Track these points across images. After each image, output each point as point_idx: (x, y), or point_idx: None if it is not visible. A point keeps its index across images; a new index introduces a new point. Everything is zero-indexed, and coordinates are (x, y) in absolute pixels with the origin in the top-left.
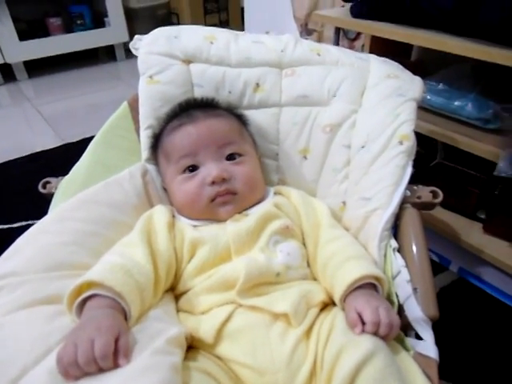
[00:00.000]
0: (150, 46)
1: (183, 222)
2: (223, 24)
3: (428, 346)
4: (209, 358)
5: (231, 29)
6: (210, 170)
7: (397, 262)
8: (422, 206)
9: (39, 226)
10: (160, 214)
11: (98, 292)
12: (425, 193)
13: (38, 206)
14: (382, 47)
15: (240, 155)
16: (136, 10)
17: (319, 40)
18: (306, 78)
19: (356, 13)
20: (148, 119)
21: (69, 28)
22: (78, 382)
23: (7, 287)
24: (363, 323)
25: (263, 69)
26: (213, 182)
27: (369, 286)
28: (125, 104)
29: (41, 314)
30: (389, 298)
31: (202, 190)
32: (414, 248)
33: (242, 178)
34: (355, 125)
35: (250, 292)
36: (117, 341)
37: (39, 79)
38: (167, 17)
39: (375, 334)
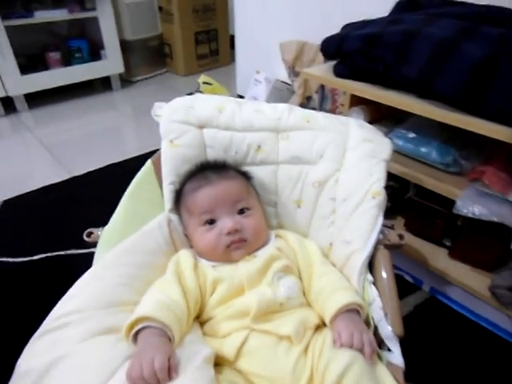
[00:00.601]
0: (171, 115)
1: (204, 264)
2: (213, 53)
3: (396, 357)
4: (231, 371)
5: (220, 57)
6: (226, 223)
7: (372, 292)
8: (392, 247)
9: (95, 270)
10: (185, 257)
11: (150, 324)
12: (393, 236)
13: (55, 239)
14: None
15: (248, 209)
16: (130, 42)
17: (305, 81)
18: (298, 142)
19: (338, 73)
20: (170, 176)
21: (67, 61)
22: None
23: (75, 321)
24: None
25: (263, 133)
26: (228, 233)
27: (352, 310)
28: (149, 162)
29: (105, 342)
30: (367, 320)
31: (220, 239)
32: (385, 282)
33: (250, 229)
34: (338, 181)
35: (260, 319)
36: (169, 360)
37: (39, 110)
38: (160, 47)
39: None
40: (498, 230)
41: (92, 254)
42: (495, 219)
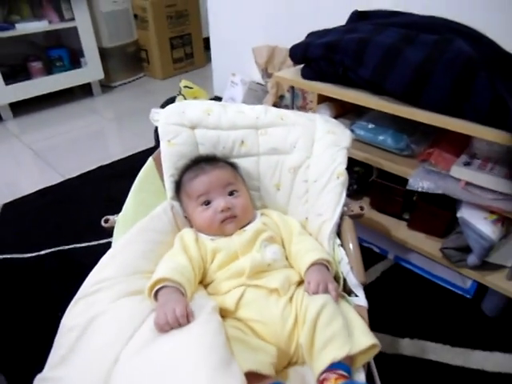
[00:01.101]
0: (167, 118)
1: (203, 238)
2: (188, 56)
3: (361, 300)
4: (233, 319)
5: (195, 59)
6: (219, 202)
7: (340, 252)
8: (354, 216)
9: (118, 247)
10: (188, 234)
11: (167, 284)
12: (355, 207)
13: (58, 235)
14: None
15: (236, 191)
16: (108, 49)
17: (277, 82)
18: (275, 136)
19: (305, 75)
20: (170, 170)
21: (49, 70)
22: (170, 332)
23: (106, 287)
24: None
25: (245, 131)
26: (222, 211)
27: (322, 265)
28: (150, 159)
29: (132, 301)
30: (337, 275)
31: (215, 216)
32: (350, 244)
33: (239, 207)
34: (309, 166)
35: (253, 277)
36: (186, 308)
37: (24, 118)
38: (137, 53)
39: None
40: (446, 202)
41: (92, 247)
42: (440, 191)
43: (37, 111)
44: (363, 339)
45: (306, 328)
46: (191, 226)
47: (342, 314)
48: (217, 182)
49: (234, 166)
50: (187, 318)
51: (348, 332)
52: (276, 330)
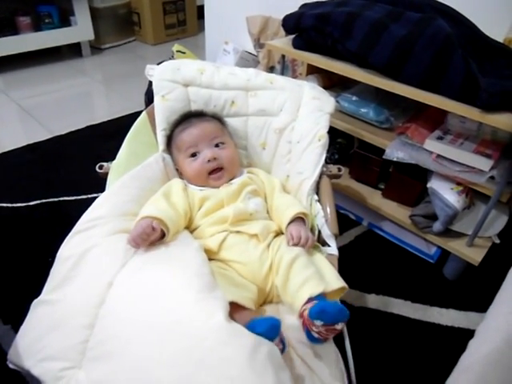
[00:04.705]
0: (161, 74)
1: (193, 188)
2: (181, 23)
3: (333, 249)
4: (215, 261)
5: (188, 27)
6: (206, 153)
7: (317, 207)
8: (332, 176)
9: (111, 190)
10: (176, 182)
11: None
12: (334, 168)
13: (47, 188)
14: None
15: (223, 143)
16: (99, 9)
17: (269, 53)
18: (264, 98)
19: (296, 45)
20: (162, 124)
21: (37, 26)
22: (159, 262)
23: (100, 224)
24: (293, 239)
25: (236, 92)
26: (208, 161)
27: (299, 219)
28: (144, 113)
29: (122, 237)
30: (313, 228)
31: (203, 166)
32: (326, 200)
33: (225, 157)
34: (294, 128)
35: (236, 224)
36: (151, 223)
37: (9, 74)
38: (128, 16)
39: (300, 245)
40: (418, 174)
41: (81, 201)
42: (414, 162)
43: (23, 68)
44: (334, 282)
45: (280, 274)
46: (181, 178)
47: (313, 265)
48: (204, 134)
49: (221, 121)
50: (152, 229)
51: (320, 276)
52: (254, 269)
